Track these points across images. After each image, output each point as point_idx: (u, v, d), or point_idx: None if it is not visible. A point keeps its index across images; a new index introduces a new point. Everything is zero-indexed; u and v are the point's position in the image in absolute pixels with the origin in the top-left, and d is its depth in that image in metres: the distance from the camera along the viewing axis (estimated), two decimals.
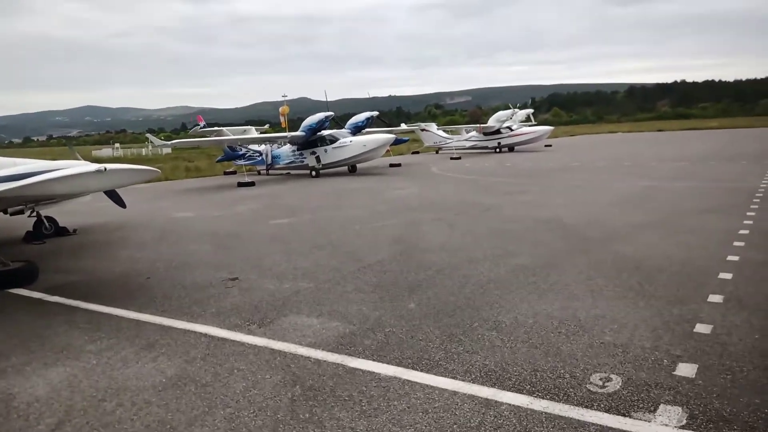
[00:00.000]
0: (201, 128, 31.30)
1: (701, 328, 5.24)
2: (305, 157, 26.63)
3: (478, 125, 41.59)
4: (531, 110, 49.31)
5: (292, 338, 5.52)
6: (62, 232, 12.47)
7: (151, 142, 27.21)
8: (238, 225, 12.82)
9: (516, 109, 43.40)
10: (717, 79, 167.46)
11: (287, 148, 27.55)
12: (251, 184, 22.87)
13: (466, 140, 40.99)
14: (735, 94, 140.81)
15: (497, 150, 39.84)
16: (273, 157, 28.04)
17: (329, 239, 10.56)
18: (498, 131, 39.78)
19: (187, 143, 29.05)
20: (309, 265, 8.52)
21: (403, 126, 42.93)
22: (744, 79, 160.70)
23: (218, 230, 12.19)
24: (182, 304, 6.86)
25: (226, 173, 30.56)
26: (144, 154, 68.47)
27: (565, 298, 6.39)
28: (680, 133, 64.61)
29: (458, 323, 5.76)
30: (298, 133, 26.48)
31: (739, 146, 34.46)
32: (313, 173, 26.14)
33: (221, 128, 30.30)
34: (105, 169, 6.68)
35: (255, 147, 28.69)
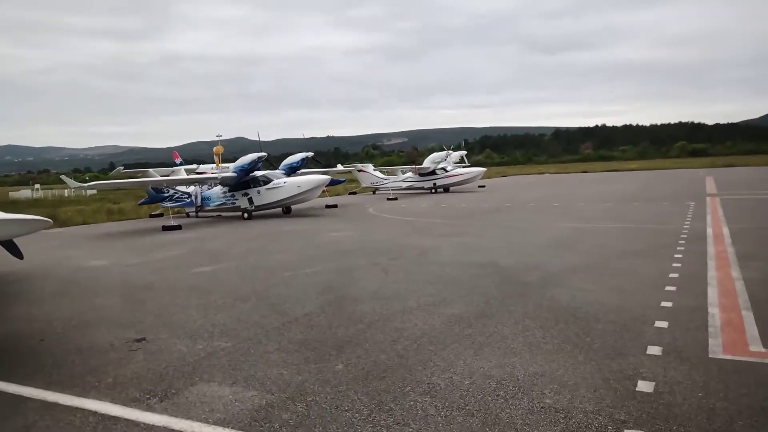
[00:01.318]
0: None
1: (643, 386, 4.94)
2: (237, 199, 25.72)
3: (414, 166, 42.02)
4: (464, 152, 50.38)
5: (197, 414, 4.79)
6: None
7: (67, 183, 25.48)
8: (155, 274, 11.82)
9: (450, 151, 44.20)
10: (635, 124, 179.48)
11: (218, 190, 26.54)
12: (177, 227, 21.67)
13: (402, 181, 41.20)
14: (651, 138, 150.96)
15: (433, 191, 40.24)
16: (203, 199, 26.92)
17: (254, 289, 9.82)
18: (433, 172, 40.27)
19: (107, 185, 27.45)
20: (228, 321, 7.77)
21: (340, 167, 42.76)
22: (659, 123, 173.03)
23: (132, 281, 11.17)
24: (74, 373, 5.95)
25: (152, 216, 29.06)
26: (66, 195, 64.80)
27: (502, 354, 5.99)
28: (603, 174, 67.98)
29: (389, 387, 5.22)
30: (229, 174, 25.60)
31: (658, 187, 36.33)
32: (246, 215, 25.23)
33: (146, 169, 28.88)
34: None
35: (183, 188, 27.49)
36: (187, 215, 28.08)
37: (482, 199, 32.15)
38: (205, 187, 27.24)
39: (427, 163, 41.16)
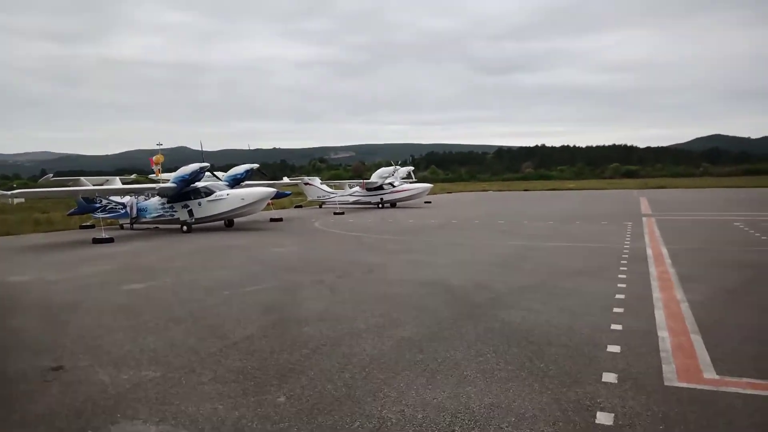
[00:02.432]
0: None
1: (602, 418, 4.75)
2: (176, 211, 24.61)
3: (362, 181, 41.79)
4: (411, 167, 50.67)
5: None
6: None
7: None
8: (81, 292, 10.91)
9: (398, 166, 44.28)
10: (572, 145, 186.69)
11: (155, 201, 25.34)
12: (109, 240, 20.44)
13: (349, 195, 40.87)
14: (587, 159, 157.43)
15: (380, 205, 40.08)
16: (138, 210, 25.62)
17: (190, 309, 9.16)
18: (381, 187, 40.16)
19: (34, 194, 25.72)
20: (160, 346, 7.13)
21: (286, 179, 41.97)
22: (594, 145, 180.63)
23: (54, 300, 10.25)
24: None
25: (82, 227, 27.41)
26: None
27: (456, 382, 5.69)
28: (544, 192, 69.92)
29: (335, 423, 4.80)
30: (168, 184, 24.49)
31: (596, 206, 37.49)
32: (185, 228, 24.15)
33: (78, 177, 27.27)
34: None
35: (118, 198, 26.09)
36: (121, 227, 26.67)
37: (429, 215, 32.19)
38: (141, 197, 25.97)
39: (375, 177, 41.05)
